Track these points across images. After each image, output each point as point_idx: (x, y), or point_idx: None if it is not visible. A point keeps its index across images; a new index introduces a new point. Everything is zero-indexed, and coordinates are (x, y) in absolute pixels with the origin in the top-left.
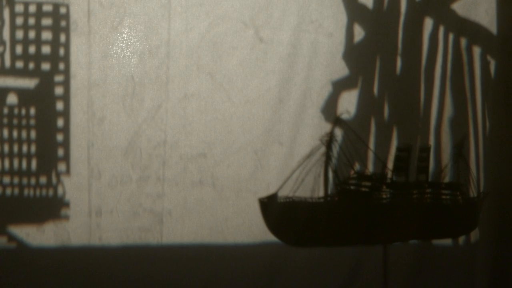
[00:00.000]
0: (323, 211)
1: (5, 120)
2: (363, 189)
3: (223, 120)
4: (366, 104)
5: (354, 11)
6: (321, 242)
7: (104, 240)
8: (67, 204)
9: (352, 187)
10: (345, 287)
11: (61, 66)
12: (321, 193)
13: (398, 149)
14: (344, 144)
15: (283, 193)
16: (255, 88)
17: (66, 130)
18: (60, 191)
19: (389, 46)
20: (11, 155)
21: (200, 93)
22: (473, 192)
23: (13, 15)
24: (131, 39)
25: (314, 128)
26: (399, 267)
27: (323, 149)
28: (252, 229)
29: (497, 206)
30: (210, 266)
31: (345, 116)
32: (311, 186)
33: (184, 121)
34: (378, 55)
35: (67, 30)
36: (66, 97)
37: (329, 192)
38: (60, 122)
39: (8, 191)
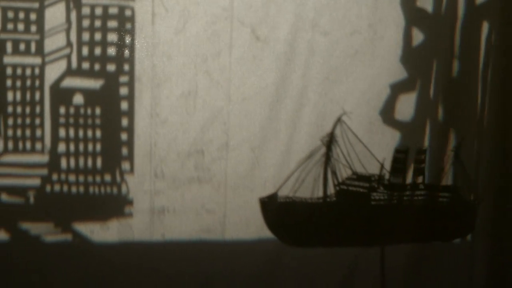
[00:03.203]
0: (322, 211)
1: (72, 120)
2: (361, 190)
3: (220, 117)
4: (423, 107)
5: (413, 15)
6: (319, 242)
7: (167, 237)
8: (130, 202)
9: (350, 188)
10: (343, 285)
11: (126, 67)
12: (321, 193)
13: (396, 150)
14: (344, 145)
15: (283, 193)
16: (252, 86)
17: (130, 129)
18: (124, 189)
19: (446, 49)
20: (77, 153)
21: (198, 90)
22: (470, 194)
23: (79, 18)
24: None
25: (310, 125)
26: (396, 267)
27: (323, 149)
28: (249, 226)
29: (492, 204)
30: (208, 263)
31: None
32: (311, 187)
33: (182, 119)
34: (435, 58)
35: (132, 32)
36: (130, 98)
37: (328, 192)
38: (124, 122)
39: (74, 189)
